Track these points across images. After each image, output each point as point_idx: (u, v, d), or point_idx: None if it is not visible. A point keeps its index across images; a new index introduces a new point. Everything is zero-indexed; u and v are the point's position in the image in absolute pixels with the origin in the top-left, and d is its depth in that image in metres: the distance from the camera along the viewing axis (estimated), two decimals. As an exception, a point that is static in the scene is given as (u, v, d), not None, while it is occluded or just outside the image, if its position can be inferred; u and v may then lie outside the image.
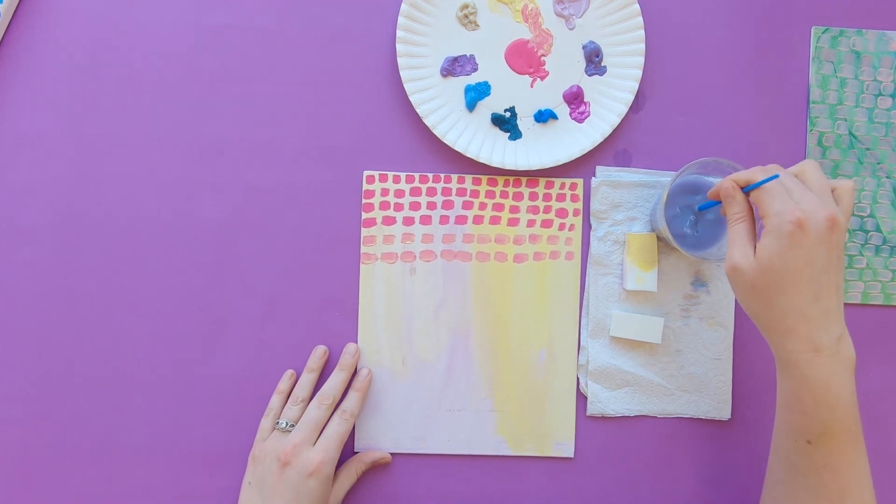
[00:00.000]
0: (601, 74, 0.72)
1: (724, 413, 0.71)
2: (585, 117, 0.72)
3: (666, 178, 0.72)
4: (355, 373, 0.70)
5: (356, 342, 0.71)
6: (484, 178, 0.71)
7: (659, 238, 0.70)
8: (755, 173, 0.59)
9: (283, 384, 0.70)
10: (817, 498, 0.57)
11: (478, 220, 0.71)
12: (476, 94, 0.71)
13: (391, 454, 0.71)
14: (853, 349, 0.57)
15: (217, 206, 0.71)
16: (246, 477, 0.67)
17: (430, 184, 0.71)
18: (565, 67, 0.72)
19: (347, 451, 0.71)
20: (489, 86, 0.71)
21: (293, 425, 0.66)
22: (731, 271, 0.58)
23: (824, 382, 0.56)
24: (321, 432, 0.66)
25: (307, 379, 0.69)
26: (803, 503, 0.58)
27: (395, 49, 0.70)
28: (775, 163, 0.72)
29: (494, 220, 0.71)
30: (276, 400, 0.69)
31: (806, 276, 0.55)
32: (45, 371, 0.70)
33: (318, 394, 0.68)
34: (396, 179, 0.71)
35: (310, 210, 0.71)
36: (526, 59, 0.72)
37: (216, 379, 0.71)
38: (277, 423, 0.67)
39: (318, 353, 0.70)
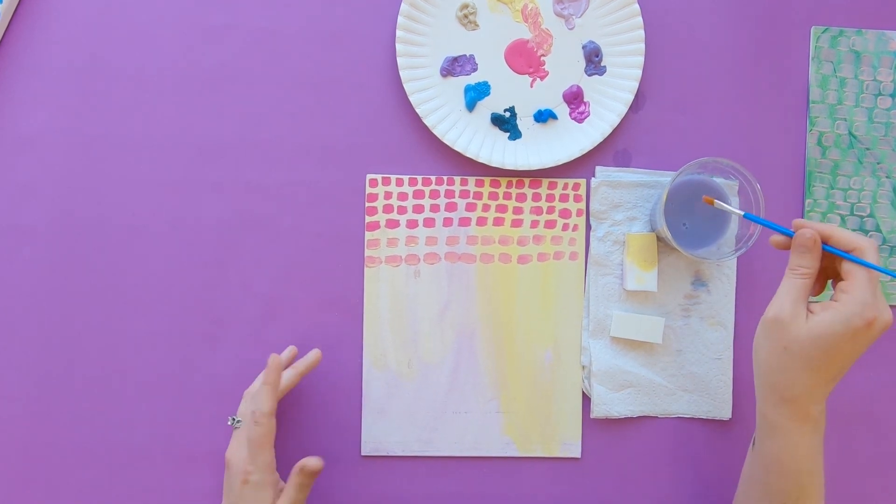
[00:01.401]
0: (601, 74, 0.72)
1: (725, 413, 0.71)
2: (585, 117, 0.72)
3: (666, 178, 0.72)
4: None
5: (361, 344, 0.71)
6: (487, 180, 0.71)
7: (659, 238, 0.71)
8: (866, 247, 0.56)
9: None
10: None
11: (481, 221, 0.71)
12: (476, 94, 0.71)
13: (398, 457, 0.71)
14: (824, 418, 0.59)
15: (217, 206, 0.71)
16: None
17: (433, 186, 0.71)
18: (565, 67, 0.72)
19: (348, 456, 0.70)
20: (489, 86, 0.71)
21: (240, 420, 0.64)
22: (773, 322, 0.57)
23: (807, 451, 0.57)
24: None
25: (259, 377, 0.66)
26: None
27: (395, 49, 0.70)
28: (774, 162, 0.72)
29: (498, 222, 0.71)
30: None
31: (839, 363, 0.56)
32: (45, 371, 0.70)
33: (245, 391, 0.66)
34: (399, 182, 0.71)
35: (309, 209, 0.71)
36: (526, 59, 0.72)
37: (216, 379, 0.71)
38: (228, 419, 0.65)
39: (286, 352, 0.68)
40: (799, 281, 0.57)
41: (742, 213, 0.64)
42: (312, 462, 0.62)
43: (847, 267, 0.56)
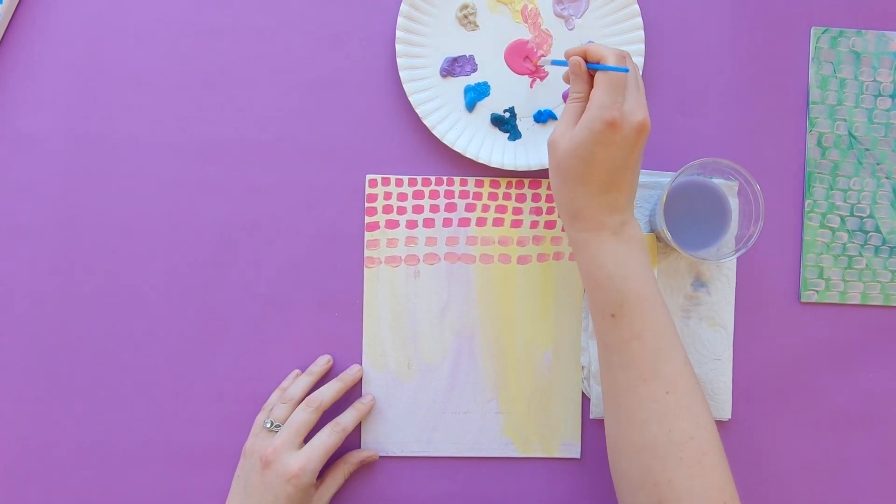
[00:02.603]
0: (601, 75, 0.72)
1: (725, 413, 0.71)
2: (585, 117, 0.71)
3: (666, 179, 0.72)
4: (358, 395, 0.70)
5: (360, 344, 0.71)
6: (486, 181, 0.71)
7: (658, 239, 0.70)
8: (608, 55, 0.60)
9: (287, 382, 0.70)
10: (632, 370, 0.59)
11: (481, 222, 0.71)
12: (475, 94, 0.71)
13: (398, 457, 0.70)
14: (640, 232, 0.62)
15: (217, 206, 0.71)
16: (237, 470, 0.66)
17: (432, 186, 0.71)
18: (565, 68, 0.71)
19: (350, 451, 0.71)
20: (489, 86, 0.71)
21: (279, 425, 0.66)
22: (550, 145, 0.62)
23: (612, 258, 0.60)
24: (308, 437, 0.66)
25: (303, 381, 0.68)
26: (622, 379, 0.60)
27: (395, 49, 0.70)
28: (774, 163, 0.72)
29: (498, 222, 0.71)
30: (275, 396, 0.69)
31: (602, 170, 0.59)
32: (44, 371, 0.70)
33: (308, 397, 0.67)
34: (399, 183, 0.71)
35: (309, 209, 0.71)
36: (526, 60, 0.72)
37: (216, 379, 0.71)
38: (265, 421, 0.67)
39: (322, 361, 0.70)
40: (573, 105, 0.62)
41: (551, 60, 0.68)
42: (368, 455, 0.69)
43: (596, 76, 0.60)
